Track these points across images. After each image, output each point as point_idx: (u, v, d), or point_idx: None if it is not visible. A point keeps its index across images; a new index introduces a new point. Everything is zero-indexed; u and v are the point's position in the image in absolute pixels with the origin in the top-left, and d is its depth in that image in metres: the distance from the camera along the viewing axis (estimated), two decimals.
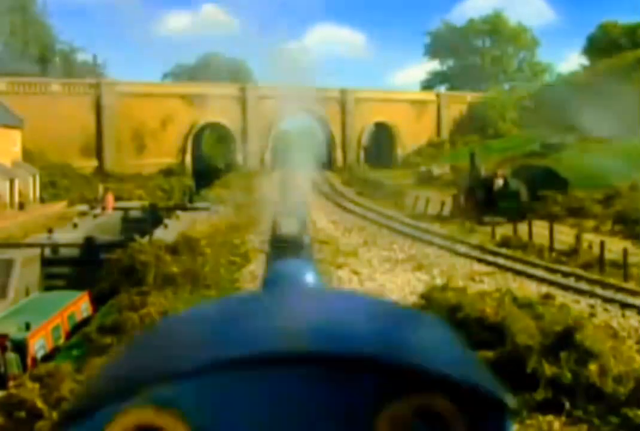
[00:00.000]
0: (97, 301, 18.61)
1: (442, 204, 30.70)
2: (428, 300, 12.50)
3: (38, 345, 15.37)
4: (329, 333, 0.50)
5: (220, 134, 63.65)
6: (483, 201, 28.27)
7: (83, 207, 35.78)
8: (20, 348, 14.59)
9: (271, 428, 0.47)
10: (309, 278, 1.06)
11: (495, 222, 25.33)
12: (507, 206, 27.30)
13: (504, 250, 21.04)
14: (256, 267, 18.71)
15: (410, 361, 0.50)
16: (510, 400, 0.52)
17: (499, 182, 28.94)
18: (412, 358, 0.50)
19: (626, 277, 16.77)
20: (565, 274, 17.47)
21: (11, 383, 12.41)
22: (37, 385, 9.22)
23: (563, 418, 8.05)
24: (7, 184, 35.87)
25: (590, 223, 25.87)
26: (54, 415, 8.09)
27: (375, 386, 0.49)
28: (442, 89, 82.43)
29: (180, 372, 0.48)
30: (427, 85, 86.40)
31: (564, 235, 22.08)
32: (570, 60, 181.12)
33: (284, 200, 23.40)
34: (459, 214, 28.86)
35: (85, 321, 17.35)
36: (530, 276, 17.42)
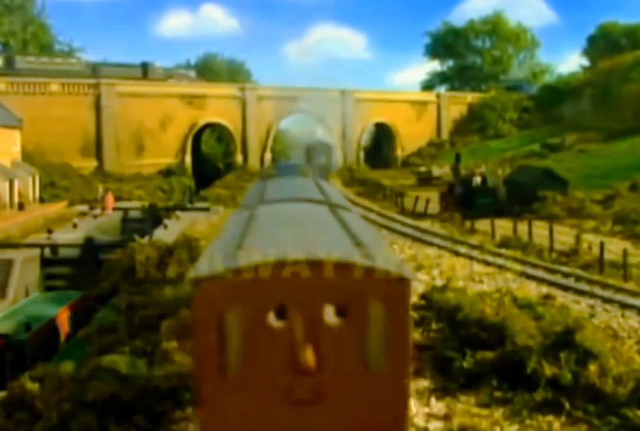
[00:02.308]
0: (97, 301, 18.59)
1: None
2: (428, 300, 12.51)
3: (38, 345, 15.36)
4: None
5: (220, 134, 63.61)
6: (462, 197, 29.38)
7: (83, 207, 35.75)
8: (20, 348, 14.59)
9: None
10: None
11: (475, 218, 26.16)
12: (484, 203, 28.59)
13: (503, 250, 21.04)
14: None
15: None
16: None
17: (477, 180, 30.37)
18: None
19: (626, 277, 16.78)
20: (565, 275, 17.48)
21: (11, 384, 12.38)
22: (37, 385, 9.19)
23: (563, 419, 8.05)
24: (7, 184, 35.83)
25: (590, 224, 25.84)
26: (54, 415, 8.08)
27: None
28: (442, 89, 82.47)
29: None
30: (427, 85, 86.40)
31: (564, 235, 22.09)
32: (570, 61, 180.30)
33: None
34: (443, 210, 30.25)
35: (85, 321, 17.32)
36: (530, 277, 17.43)
